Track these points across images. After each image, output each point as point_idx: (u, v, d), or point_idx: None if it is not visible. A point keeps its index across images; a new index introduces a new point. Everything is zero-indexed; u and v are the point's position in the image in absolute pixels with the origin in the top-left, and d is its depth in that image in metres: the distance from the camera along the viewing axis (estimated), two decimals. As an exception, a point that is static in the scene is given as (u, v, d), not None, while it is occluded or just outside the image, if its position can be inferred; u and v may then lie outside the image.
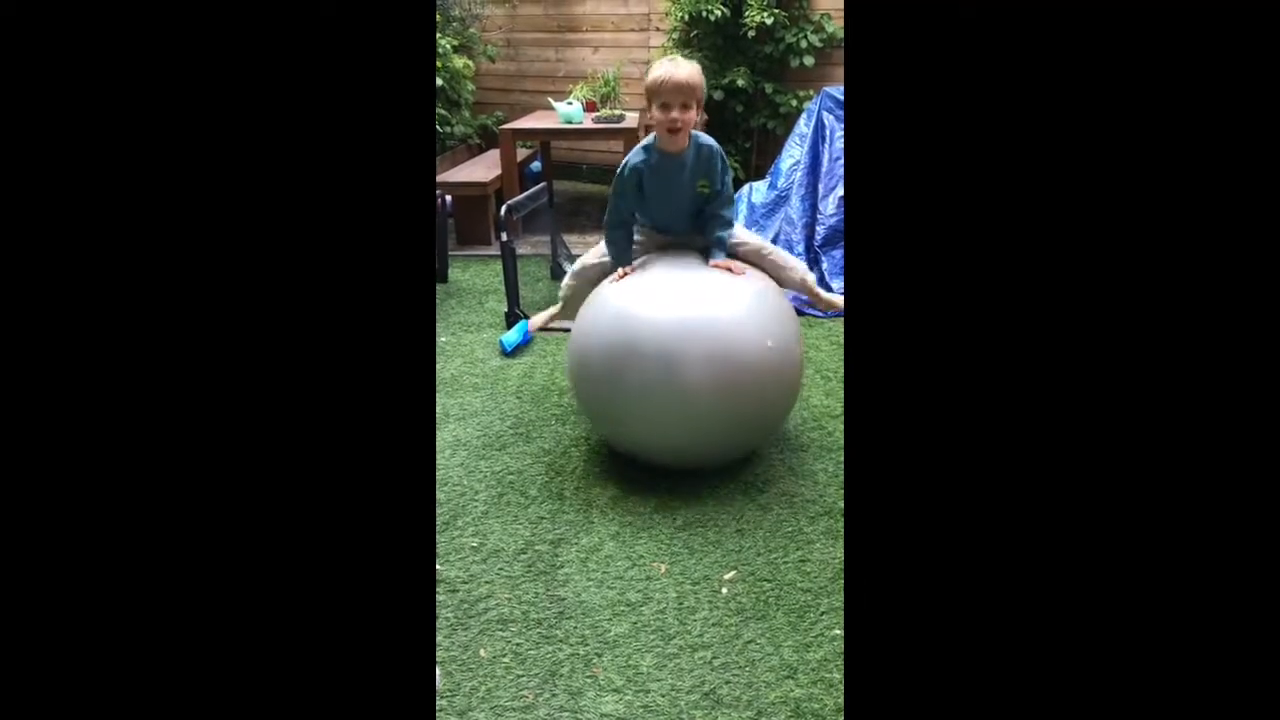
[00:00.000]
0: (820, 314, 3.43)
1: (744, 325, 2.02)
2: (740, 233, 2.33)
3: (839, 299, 2.29)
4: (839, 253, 3.59)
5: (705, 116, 4.90)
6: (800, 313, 3.45)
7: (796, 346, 2.14)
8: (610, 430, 2.20)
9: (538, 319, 2.75)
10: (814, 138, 3.77)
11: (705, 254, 2.21)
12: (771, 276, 2.29)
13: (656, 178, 2.18)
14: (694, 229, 2.28)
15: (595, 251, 2.38)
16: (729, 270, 2.14)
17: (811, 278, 2.41)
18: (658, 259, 2.24)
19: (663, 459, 2.15)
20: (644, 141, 2.20)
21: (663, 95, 2.05)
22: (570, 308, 2.45)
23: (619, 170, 2.22)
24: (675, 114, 2.05)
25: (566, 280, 2.49)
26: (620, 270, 2.21)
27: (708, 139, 2.19)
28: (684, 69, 2.05)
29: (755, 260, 2.28)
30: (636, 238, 2.30)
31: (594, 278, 2.34)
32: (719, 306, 2.04)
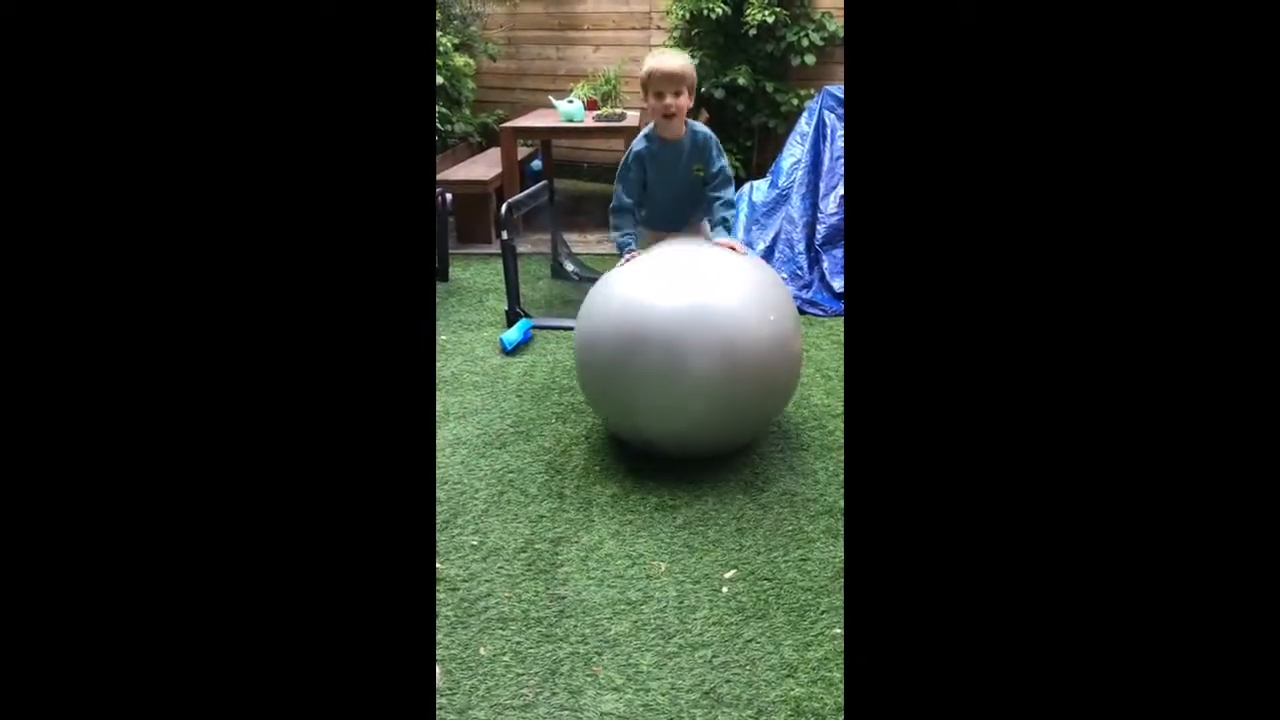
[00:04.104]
0: (821, 313, 3.43)
1: (747, 312, 2.08)
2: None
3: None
4: (840, 251, 3.58)
5: (706, 115, 4.90)
6: (801, 311, 3.45)
7: (795, 331, 2.21)
8: (615, 418, 2.24)
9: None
10: (815, 136, 3.76)
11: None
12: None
13: (657, 164, 2.39)
14: (692, 213, 2.44)
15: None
16: (732, 249, 2.24)
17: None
18: (664, 246, 2.30)
19: (666, 446, 2.19)
20: (644, 131, 2.39)
21: (655, 84, 2.27)
22: None
23: (624, 158, 2.40)
24: (669, 100, 2.26)
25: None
26: (626, 256, 2.30)
27: (703, 128, 2.38)
28: (672, 59, 2.28)
29: None
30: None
31: None
32: (723, 294, 2.09)
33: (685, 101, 2.29)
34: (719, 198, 2.38)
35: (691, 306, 2.05)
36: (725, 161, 2.40)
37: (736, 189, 4.23)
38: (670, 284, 2.11)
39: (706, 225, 2.54)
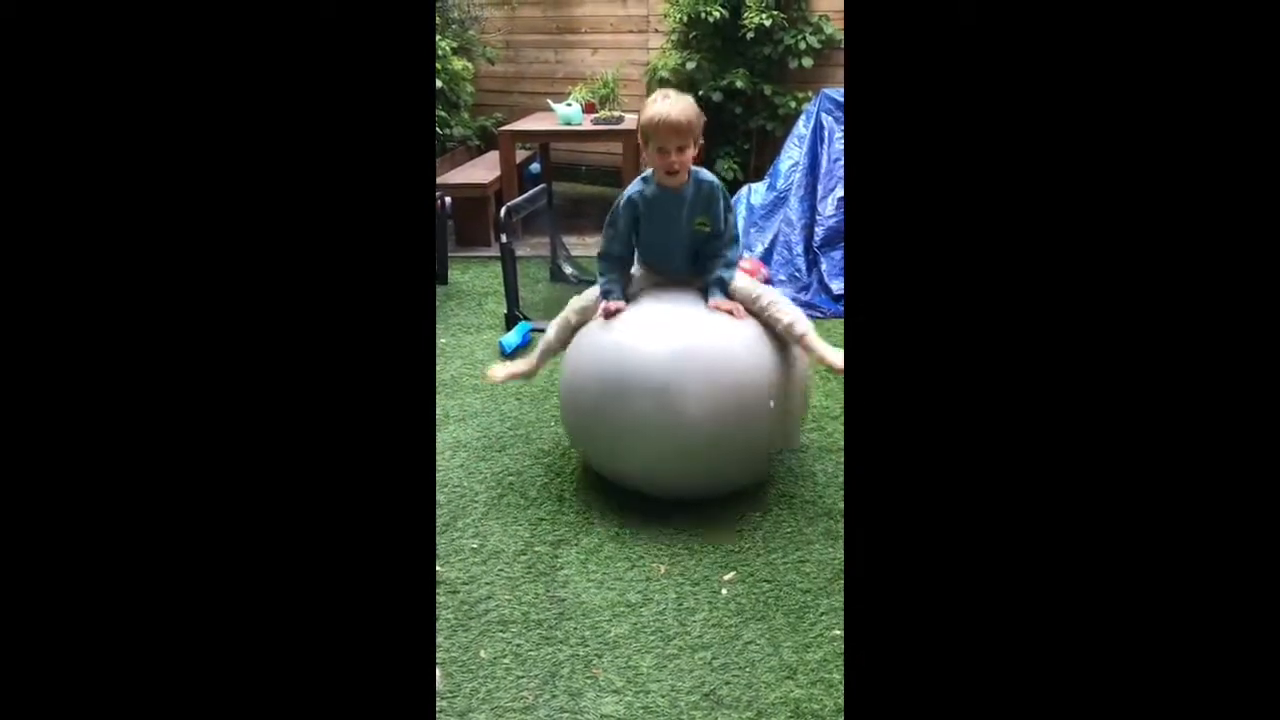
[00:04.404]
0: (819, 315, 3.43)
1: (748, 353, 1.96)
2: (737, 276, 2.12)
3: (838, 359, 1.95)
4: (838, 253, 3.59)
5: (704, 119, 4.89)
6: (799, 314, 3.45)
7: (799, 381, 2.08)
8: (605, 464, 2.13)
9: (501, 372, 2.37)
10: (812, 139, 3.77)
11: (704, 294, 2.08)
12: (765, 327, 2.05)
13: (653, 211, 2.08)
14: (692, 269, 2.14)
15: (589, 294, 2.20)
16: (729, 313, 2.01)
17: (810, 332, 2.04)
18: (652, 295, 2.12)
19: (660, 495, 2.07)
20: (643, 173, 2.12)
21: (658, 138, 1.95)
22: (547, 356, 2.28)
23: (615, 202, 2.13)
24: (672, 158, 1.96)
25: (556, 324, 2.24)
26: (608, 305, 2.07)
27: (708, 175, 2.09)
28: (678, 108, 1.94)
29: (747, 307, 2.06)
30: (634, 271, 2.19)
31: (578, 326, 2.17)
32: (720, 335, 1.97)
33: (690, 156, 1.98)
34: (723, 258, 2.07)
35: (686, 349, 1.93)
36: (734, 217, 2.11)
37: (733, 193, 4.25)
38: (662, 324, 2.01)
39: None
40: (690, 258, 2.13)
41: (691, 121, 1.95)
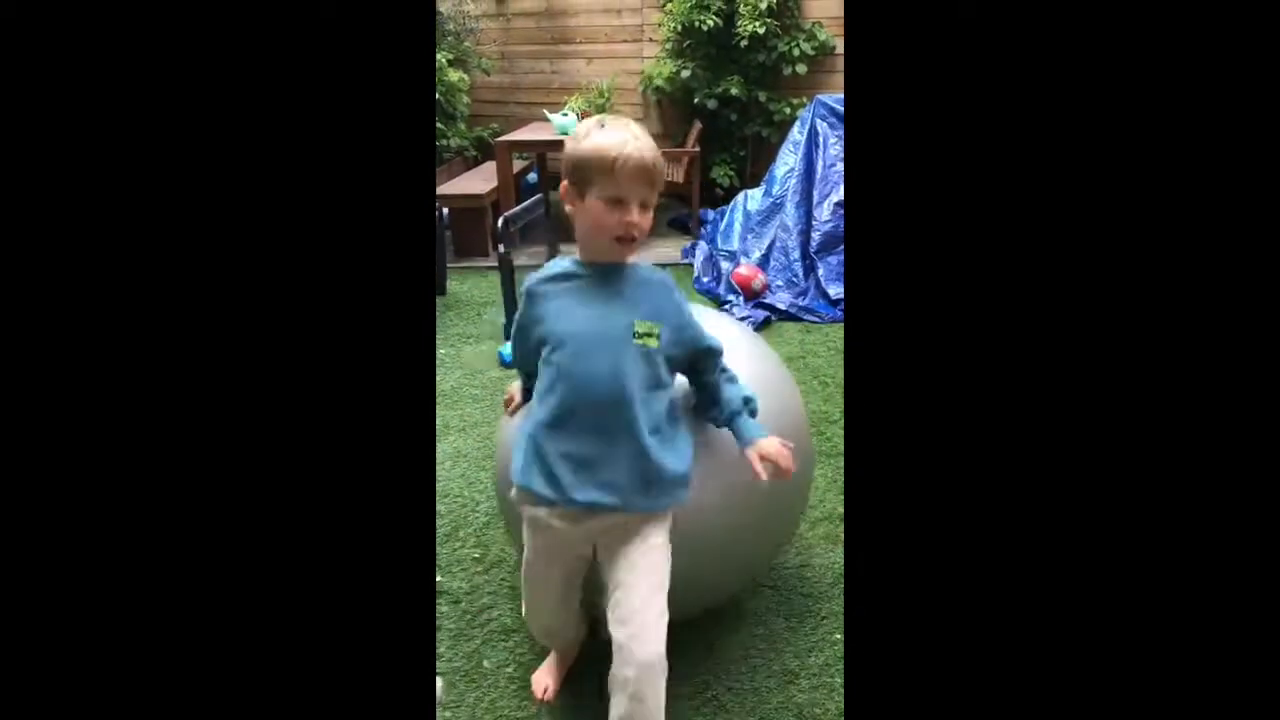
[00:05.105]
0: (817, 320, 3.43)
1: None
2: None
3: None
4: (834, 258, 3.60)
5: (700, 126, 4.90)
6: (797, 318, 3.46)
7: (807, 452, 1.63)
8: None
9: None
10: (808, 145, 3.79)
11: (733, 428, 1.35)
12: None
13: (570, 307, 1.28)
14: (626, 417, 1.23)
15: None
16: (778, 465, 1.30)
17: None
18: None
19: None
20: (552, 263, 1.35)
21: (618, 185, 1.20)
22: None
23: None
24: (634, 216, 1.21)
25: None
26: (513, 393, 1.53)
27: (653, 270, 1.33)
28: (649, 145, 1.22)
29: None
30: (524, 510, 1.34)
31: None
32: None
33: (649, 221, 1.25)
34: (727, 373, 1.36)
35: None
36: (699, 329, 1.32)
37: (729, 200, 4.25)
38: None
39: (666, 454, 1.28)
40: (632, 406, 1.23)
41: (660, 164, 1.24)
